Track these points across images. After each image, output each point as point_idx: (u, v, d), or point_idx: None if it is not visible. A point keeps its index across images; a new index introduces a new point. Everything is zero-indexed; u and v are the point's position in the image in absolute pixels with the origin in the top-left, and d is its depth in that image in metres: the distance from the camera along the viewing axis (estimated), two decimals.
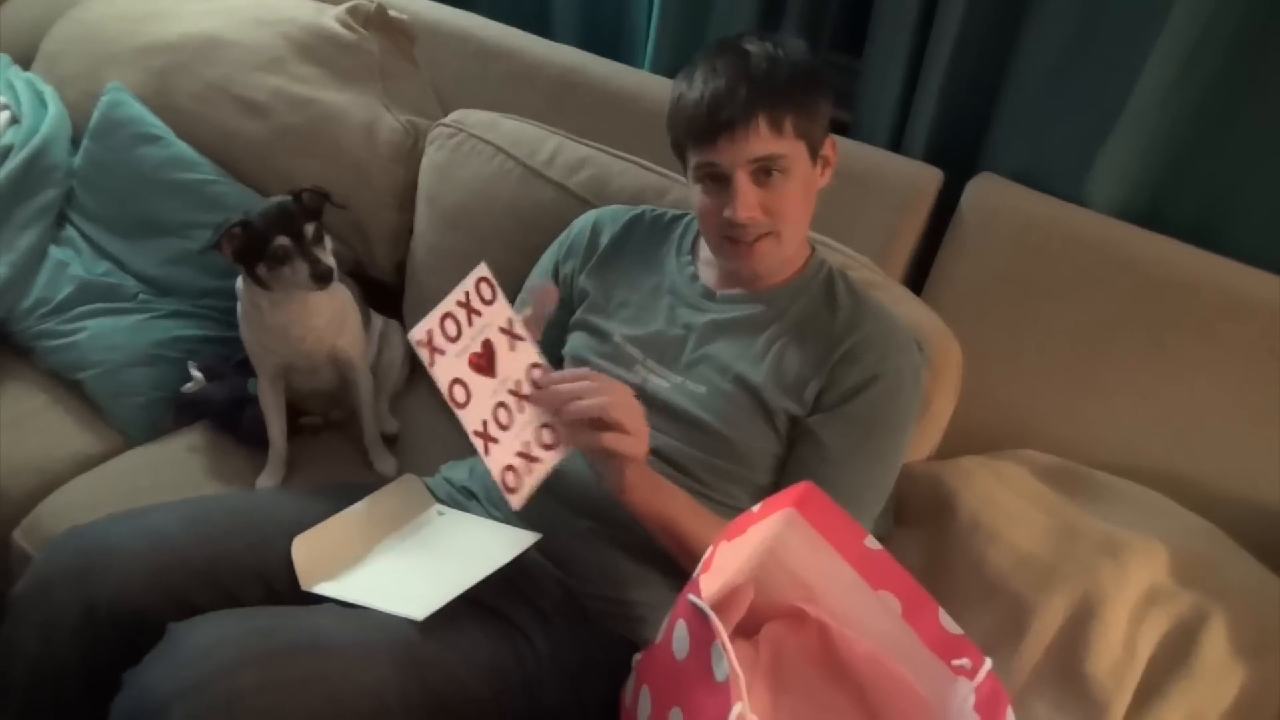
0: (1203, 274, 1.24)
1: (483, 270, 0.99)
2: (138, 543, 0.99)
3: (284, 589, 1.01)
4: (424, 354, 0.92)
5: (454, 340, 0.95)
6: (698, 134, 1.06)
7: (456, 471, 1.24)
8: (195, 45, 1.65)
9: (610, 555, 1.11)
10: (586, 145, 1.46)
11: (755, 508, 0.90)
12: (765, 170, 1.06)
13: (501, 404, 0.96)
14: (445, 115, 1.56)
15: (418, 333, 0.92)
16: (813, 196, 1.13)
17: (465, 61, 1.71)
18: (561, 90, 1.62)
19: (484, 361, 0.97)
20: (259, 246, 1.22)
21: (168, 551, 1.00)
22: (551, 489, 1.13)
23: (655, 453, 1.12)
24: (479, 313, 0.98)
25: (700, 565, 0.84)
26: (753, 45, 1.07)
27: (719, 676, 0.77)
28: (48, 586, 0.97)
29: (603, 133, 1.50)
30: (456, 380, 0.94)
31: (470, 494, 1.20)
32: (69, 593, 0.95)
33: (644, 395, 1.14)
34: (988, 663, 0.84)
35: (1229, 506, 1.20)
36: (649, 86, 1.57)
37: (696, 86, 1.06)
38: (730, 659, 0.77)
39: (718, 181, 1.07)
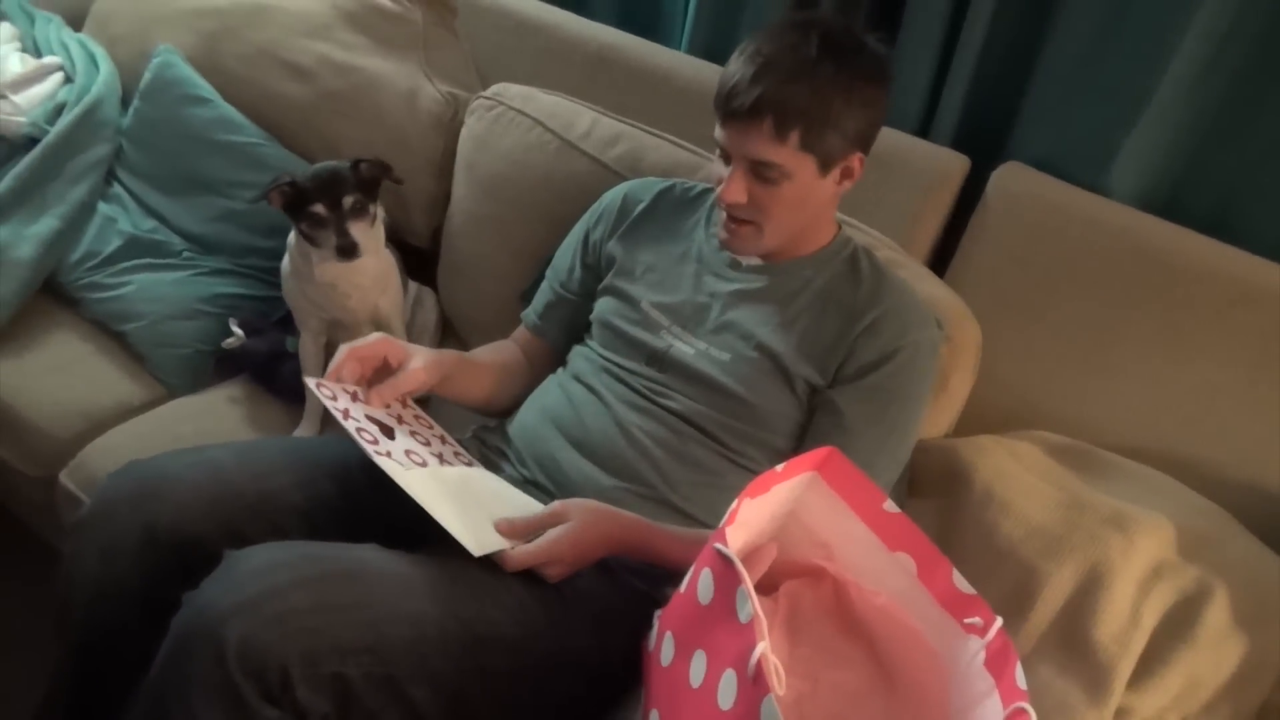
0: (1216, 263, 1.27)
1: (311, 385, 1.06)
2: (195, 474, 1.04)
3: (327, 526, 1.06)
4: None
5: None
6: (719, 110, 1.10)
7: (490, 434, 1.29)
8: (244, 10, 1.70)
9: (627, 502, 1.13)
10: (622, 121, 1.50)
11: (779, 467, 0.94)
12: (762, 170, 1.09)
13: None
14: (483, 87, 1.60)
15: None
16: (815, 203, 1.14)
17: (504, 35, 1.75)
18: (597, 67, 1.66)
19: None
20: (301, 206, 1.27)
21: (222, 484, 1.04)
22: (580, 447, 1.18)
23: (679, 416, 1.17)
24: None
25: (725, 517, 0.88)
26: (803, 40, 1.06)
27: (743, 618, 0.81)
28: (110, 511, 1.02)
29: (636, 109, 1.54)
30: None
31: (502, 454, 1.24)
32: (130, 517, 1.00)
33: (669, 359, 1.19)
34: (998, 621, 0.88)
35: (1236, 490, 1.23)
36: (683, 66, 1.60)
37: (735, 61, 1.08)
38: (754, 601, 0.81)
39: (724, 157, 1.12)
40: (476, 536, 0.98)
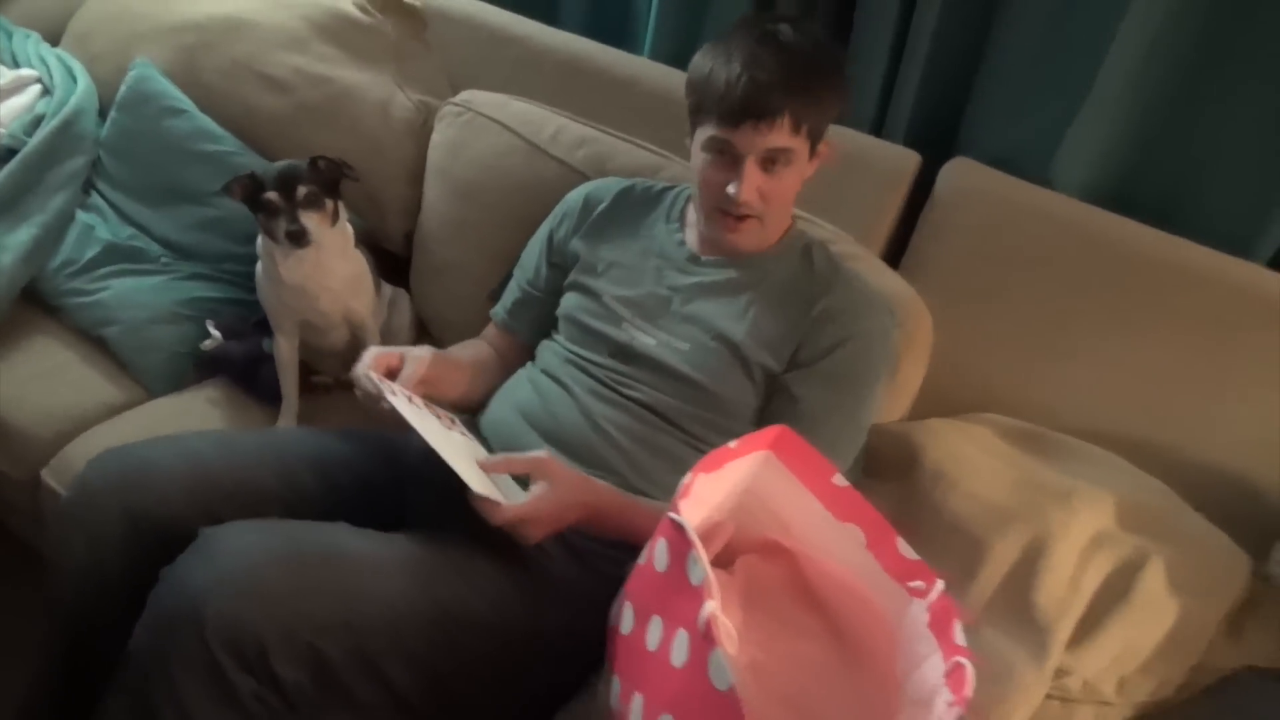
0: (1159, 252, 1.32)
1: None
2: (175, 461, 1.08)
3: (303, 514, 1.09)
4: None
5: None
6: (725, 113, 1.12)
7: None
8: (221, 25, 1.74)
9: None
10: (588, 125, 1.55)
11: (733, 443, 0.98)
12: (772, 160, 1.14)
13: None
14: (455, 96, 1.65)
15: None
16: (800, 185, 1.21)
17: (476, 46, 1.80)
18: (566, 75, 1.71)
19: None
20: (257, 197, 1.32)
21: (202, 471, 1.08)
22: (549, 438, 1.22)
23: (644, 405, 1.22)
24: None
25: (679, 490, 0.92)
26: (789, 36, 1.13)
27: (694, 581, 0.85)
28: (93, 498, 1.05)
29: (603, 115, 1.59)
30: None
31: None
32: (113, 503, 1.04)
33: (631, 351, 1.24)
34: (939, 584, 0.92)
35: (1181, 466, 1.28)
36: (647, 72, 1.66)
37: (734, 67, 1.11)
38: (704, 564, 0.85)
39: (726, 156, 1.15)
40: (474, 479, 1.02)
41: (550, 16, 1.87)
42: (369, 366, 1.15)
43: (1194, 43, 1.29)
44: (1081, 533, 1.12)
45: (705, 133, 1.16)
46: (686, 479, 0.93)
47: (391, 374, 1.18)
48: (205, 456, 1.10)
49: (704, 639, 0.80)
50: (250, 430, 1.41)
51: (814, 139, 1.16)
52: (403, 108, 1.65)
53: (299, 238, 1.30)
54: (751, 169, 1.13)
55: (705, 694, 0.78)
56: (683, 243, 1.29)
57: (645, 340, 1.24)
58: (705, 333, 1.22)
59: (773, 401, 1.22)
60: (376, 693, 0.99)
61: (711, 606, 0.82)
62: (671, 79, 1.62)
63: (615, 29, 1.85)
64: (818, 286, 1.23)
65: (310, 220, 1.31)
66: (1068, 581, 1.08)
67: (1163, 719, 1.05)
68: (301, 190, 1.31)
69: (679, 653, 0.84)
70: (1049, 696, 1.05)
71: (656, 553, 0.93)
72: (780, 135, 1.12)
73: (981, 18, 1.42)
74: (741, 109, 1.10)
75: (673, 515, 0.90)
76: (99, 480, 1.06)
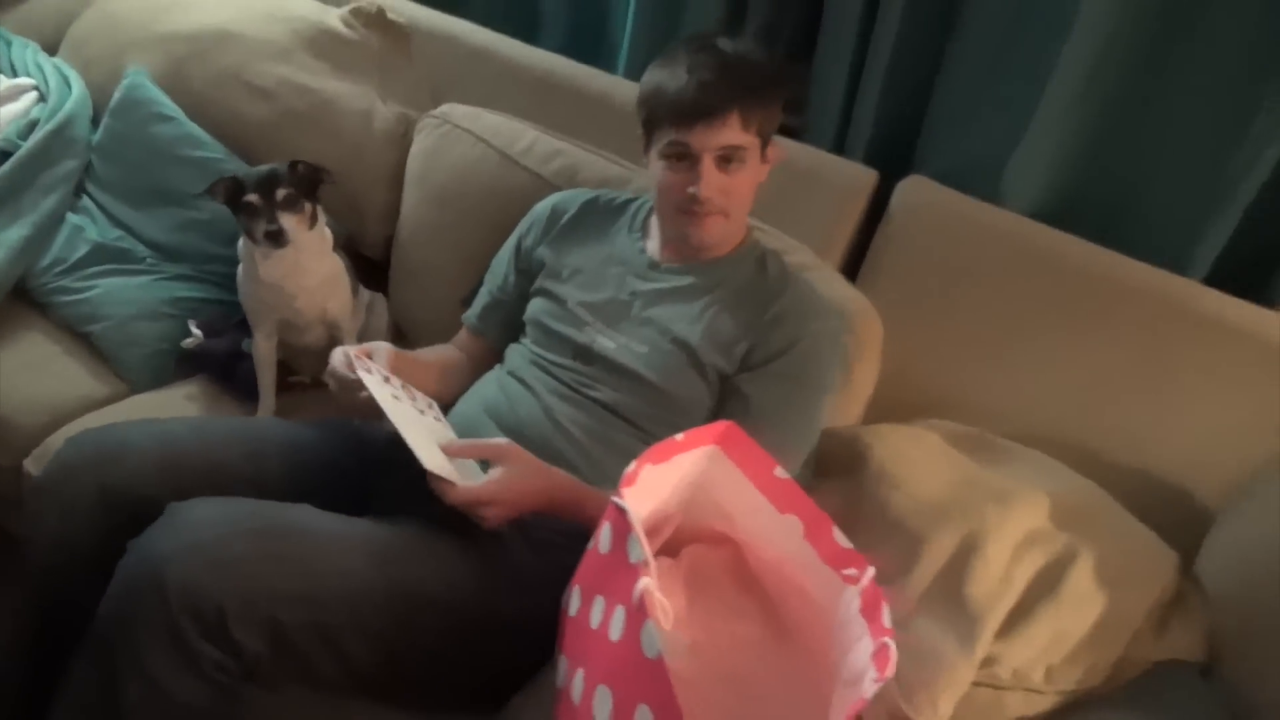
0: (1099, 267, 1.38)
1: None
2: (149, 442, 1.13)
3: (272, 496, 1.13)
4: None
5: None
6: (677, 117, 1.19)
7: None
8: (211, 36, 1.81)
9: None
10: (560, 139, 1.62)
11: (679, 436, 1.03)
12: (727, 158, 1.21)
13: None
14: (435, 108, 1.71)
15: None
16: (756, 186, 1.28)
17: (456, 62, 1.86)
18: (542, 90, 1.77)
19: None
20: (238, 199, 1.38)
21: (175, 452, 1.13)
22: (512, 435, 1.27)
23: (603, 405, 1.27)
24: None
25: (624, 477, 0.97)
26: (728, 46, 1.22)
27: (633, 559, 0.90)
28: (68, 473, 1.11)
29: (577, 129, 1.65)
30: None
31: None
32: (87, 478, 1.09)
33: (592, 353, 1.29)
34: (870, 570, 0.97)
35: (1118, 471, 1.32)
36: (619, 89, 1.72)
37: (680, 75, 1.19)
38: (643, 544, 0.90)
39: (684, 160, 1.21)
40: (432, 459, 1.06)
41: (531, 36, 1.94)
42: (345, 356, 1.20)
43: (1131, 70, 1.35)
44: (1016, 529, 1.17)
45: (661, 139, 1.23)
46: (631, 468, 0.98)
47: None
48: (179, 438, 1.15)
49: (638, 611, 0.84)
50: (224, 416, 1.47)
51: (764, 138, 1.24)
52: (384, 118, 1.71)
53: (277, 237, 1.36)
54: (709, 166, 1.20)
55: (637, 663, 0.82)
56: (644, 250, 1.36)
57: (605, 343, 1.30)
58: (662, 336, 1.28)
59: (725, 402, 1.27)
60: (333, 666, 1.03)
61: (646, 582, 0.86)
62: None
63: (591, 48, 1.92)
64: (770, 292, 1.29)
65: (289, 221, 1.37)
66: (1000, 575, 1.13)
67: (1089, 706, 1.09)
68: (280, 193, 1.37)
69: (616, 628, 0.88)
70: (980, 684, 1.09)
71: (601, 537, 0.98)
72: (732, 132, 1.19)
73: (935, 44, 1.49)
74: (692, 109, 1.18)
75: (615, 500, 0.95)
76: (75, 457, 1.12)
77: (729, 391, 1.27)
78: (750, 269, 1.32)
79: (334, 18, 1.82)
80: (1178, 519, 1.28)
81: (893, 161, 1.57)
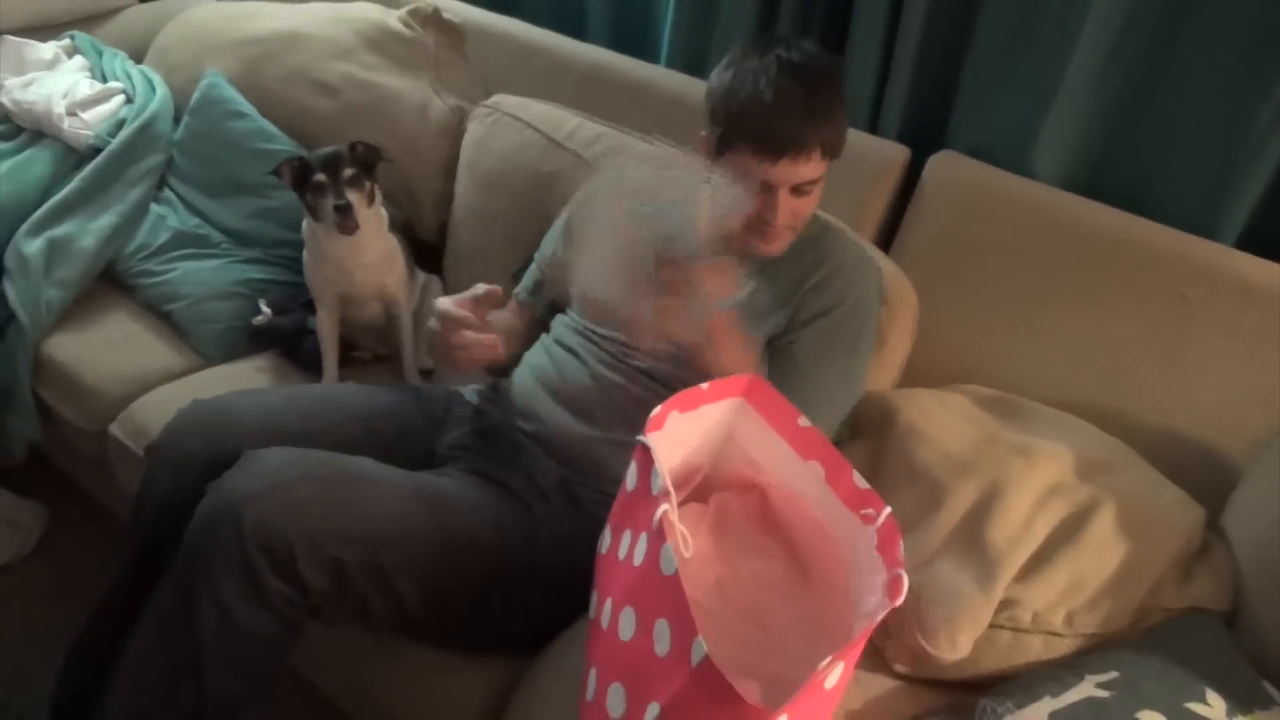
0: (1125, 232, 1.41)
1: None
2: (252, 410, 1.25)
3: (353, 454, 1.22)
4: None
5: None
6: (760, 150, 1.18)
7: (494, 391, 1.46)
8: (281, 38, 1.94)
9: (603, 452, 1.29)
10: (602, 123, 1.70)
11: (704, 385, 1.09)
12: (803, 187, 1.23)
13: None
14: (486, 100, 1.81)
15: None
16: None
17: (507, 57, 1.96)
18: (588, 81, 1.86)
19: None
20: (305, 178, 1.48)
21: (274, 420, 1.25)
22: (559, 398, 1.34)
23: (647, 374, 1.31)
24: None
25: (650, 420, 1.03)
26: (806, 61, 1.20)
27: (655, 490, 0.96)
28: (180, 438, 1.23)
29: (621, 117, 1.72)
30: None
31: (493, 403, 1.41)
32: (198, 442, 1.21)
33: None
34: (887, 509, 1.01)
35: (1145, 434, 1.35)
36: (661, 79, 1.80)
37: (765, 97, 1.17)
38: (664, 476, 0.96)
39: (760, 187, 1.21)
40: None
41: (579, 31, 2.03)
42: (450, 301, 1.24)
43: (1153, 37, 1.38)
44: (1040, 480, 1.19)
45: (737, 162, 1.21)
46: (658, 411, 1.03)
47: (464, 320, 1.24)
48: (276, 407, 1.27)
49: (657, 535, 0.90)
50: (315, 386, 1.60)
51: (835, 158, 1.25)
52: (439, 110, 1.82)
53: (345, 211, 1.46)
54: (784, 197, 1.22)
55: (656, 580, 0.88)
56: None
57: None
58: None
59: (773, 361, 1.31)
60: (387, 604, 1.11)
61: (665, 508, 0.92)
62: (682, 84, 1.77)
63: (637, 41, 2.00)
64: (811, 257, 1.32)
65: (354, 197, 1.48)
66: (1021, 522, 1.16)
67: (1109, 649, 1.11)
68: (347, 172, 1.47)
69: (639, 554, 0.94)
70: (1001, 627, 1.12)
71: (629, 475, 1.04)
72: (812, 167, 1.20)
73: (962, 23, 1.53)
74: (779, 144, 1.17)
75: (640, 438, 1.02)
76: (187, 425, 1.24)
77: (775, 350, 1.31)
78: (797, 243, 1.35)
79: (393, 18, 1.94)
80: (1206, 480, 1.29)
81: (924, 138, 1.61)
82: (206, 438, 1.21)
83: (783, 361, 1.30)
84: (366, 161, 1.51)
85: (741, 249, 1.32)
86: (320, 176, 1.46)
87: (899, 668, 1.14)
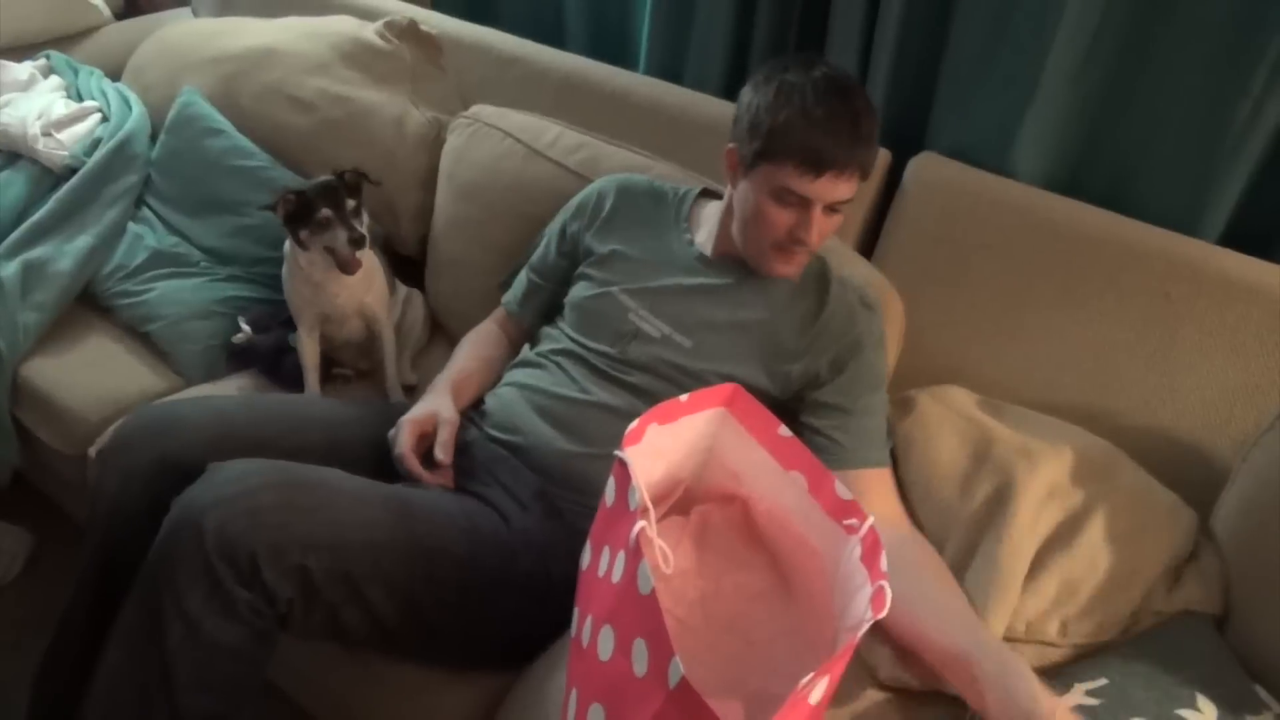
0: (1107, 231, 1.40)
1: None
2: (203, 416, 1.23)
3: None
4: None
5: None
6: (804, 165, 1.17)
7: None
8: (256, 55, 1.92)
9: (583, 466, 1.28)
10: (583, 132, 1.68)
11: (684, 397, 1.07)
12: (837, 205, 1.23)
13: None
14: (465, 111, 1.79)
15: None
16: None
17: (486, 68, 1.95)
18: (566, 90, 1.85)
19: None
20: (306, 213, 1.46)
21: (226, 426, 1.23)
22: (543, 413, 1.32)
23: (638, 392, 1.29)
24: None
25: (628, 434, 1.01)
26: (850, 83, 1.21)
27: (632, 506, 0.95)
28: (128, 443, 1.21)
29: (600, 125, 1.71)
30: None
31: (471, 420, 1.40)
32: (145, 446, 1.19)
33: (633, 341, 1.32)
34: (870, 519, 1.00)
35: (1132, 434, 1.33)
36: (640, 86, 1.79)
37: (815, 116, 1.17)
38: (642, 492, 0.94)
39: (793, 202, 1.21)
40: None
41: (558, 40, 2.02)
42: (403, 437, 1.29)
43: (1129, 34, 1.37)
44: (1041, 484, 1.19)
45: (776, 179, 1.20)
46: (635, 425, 1.02)
47: (425, 438, 1.31)
48: (229, 413, 1.25)
49: (634, 553, 0.89)
50: (271, 394, 1.58)
51: (865, 178, 1.24)
52: (416, 123, 1.80)
53: (361, 242, 1.45)
54: (819, 215, 1.21)
55: (634, 599, 0.87)
56: (691, 243, 1.38)
57: (650, 331, 1.32)
58: (704, 330, 1.31)
59: (817, 414, 1.29)
60: (359, 616, 1.10)
61: (641, 524, 0.91)
62: (660, 91, 1.77)
63: (615, 49, 1.99)
64: (817, 296, 1.32)
65: (362, 226, 1.47)
66: (1029, 526, 1.15)
67: (1101, 655, 1.10)
68: (350, 204, 1.46)
69: (618, 571, 0.93)
70: None
71: (608, 491, 1.03)
72: (850, 186, 1.21)
73: (938, 24, 1.52)
74: (826, 160, 1.17)
75: (617, 452, 1.00)
76: (136, 428, 1.22)
77: (813, 406, 1.29)
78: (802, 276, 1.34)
79: (369, 31, 1.92)
80: (1195, 480, 1.28)
81: (904, 140, 1.60)
82: (155, 443, 1.20)
83: (833, 416, 1.28)
84: (355, 187, 1.50)
85: (763, 270, 1.31)
86: (326, 213, 1.44)
87: (883, 675, 1.12)
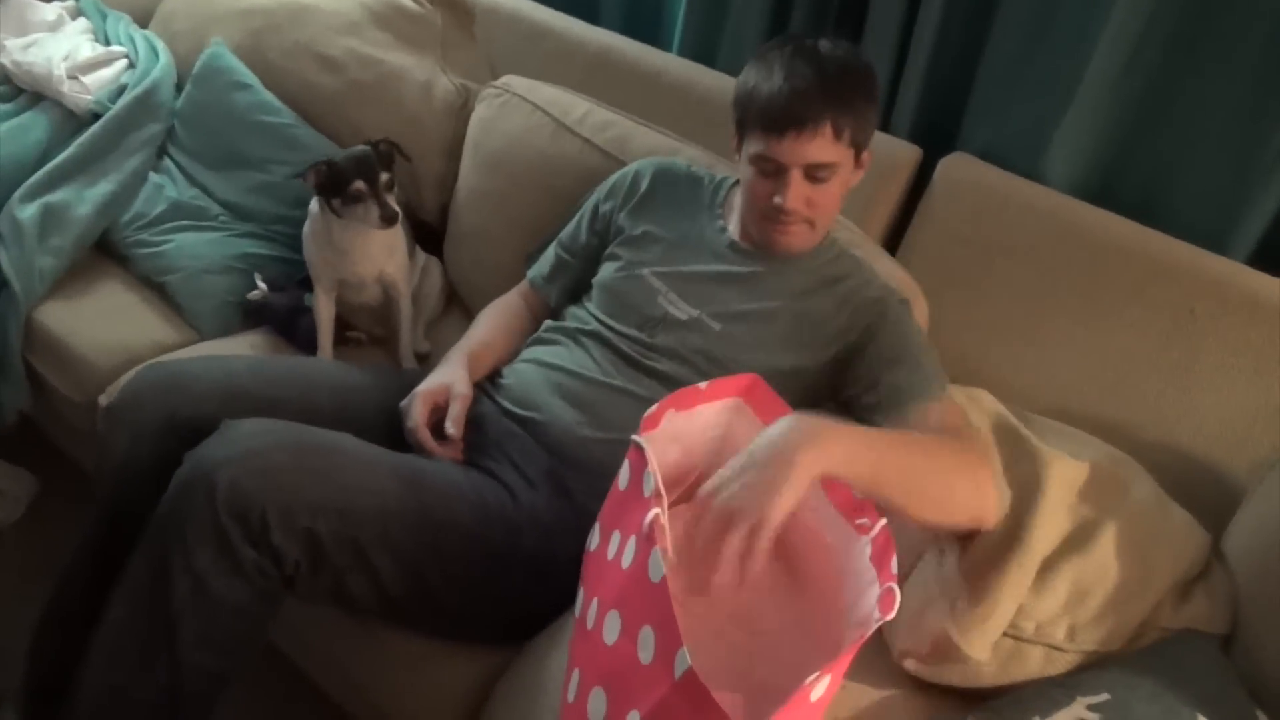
0: (1134, 242, 1.38)
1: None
2: (214, 374, 1.23)
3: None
4: None
5: None
6: (767, 126, 1.17)
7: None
8: (288, 10, 1.91)
9: (597, 450, 1.26)
10: (614, 111, 1.67)
11: (702, 385, 1.07)
12: (817, 171, 1.20)
13: None
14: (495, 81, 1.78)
15: None
16: (845, 192, 1.27)
17: (517, 38, 1.93)
18: (598, 66, 1.83)
19: None
20: (339, 185, 1.45)
21: (236, 385, 1.22)
22: (564, 394, 1.30)
23: (662, 378, 1.28)
24: None
25: (646, 419, 1.01)
26: (827, 51, 1.19)
27: (647, 493, 0.94)
28: (138, 399, 1.20)
29: (630, 104, 1.70)
30: None
31: (487, 393, 1.39)
32: (155, 404, 1.18)
33: (661, 325, 1.30)
34: (882, 520, 1.00)
35: (1149, 449, 1.32)
36: (672, 66, 1.77)
37: (775, 80, 1.17)
38: (657, 479, 0.94)
39: (771, 166, 1.20)
40: None
41: (591, 16, 2.00)
42: (415, 409, 1.28)
43: (1170, 48, 1.36)
44: (1061, 487, 1.18)
45: (751, 148, 1.22)
46: (653, 410, 1.01)
47: (437, 410, 1.30)
48: (239, 373, 1.24)
49: (646, 540, 0.89)
50: (282, 355, 1.57)
51: (858, 148, 1.22)
52: (444, 89, 1.79)
53: (393, 219, 1.44)
54: (797, 179, 1.19)
55: (644, 586, 0.87)
56: (724, 229, 1.37)
57: (677, 315, 1.30)
58: (734, 317, 1.29)
59: (868, 394, 1.23)
60: (365, 583, 1.09)
61: (655, 512, 0.91)
62: (692, 73, 1.75)
63: (650, 28, 1.97)
64: (833, 274, 1.31)
65: (394, 201, 1.46)
66: (1052, 527, 1.14)
67: (1106, 666, 1.09)
68: (384, 177, 1.45)
69: (628, 557, 0.93)
70: (1004, 634, 1.11)
71: (622, 475, 1.02)
72: (823, 146, 1.17)
73: (978, 23, 1.50)
74: (784, 118, 1.16)
75: (634, 437, 1.00)
76: (146, 385, 1.21)
77: (860, 374, 1.25)
78: (827, 267, 1.33)
79: None
80: (1207, 497, 1.27)
81: (936, 139, 1.59)
82: (165, 401, 1.19)
83: (882, 395, 1.22)
84: (387, 159, 1.48)
85: (765, 244, 1.30)
86: (360, 185, 1.43)
87: (909, 664, 1.12)
